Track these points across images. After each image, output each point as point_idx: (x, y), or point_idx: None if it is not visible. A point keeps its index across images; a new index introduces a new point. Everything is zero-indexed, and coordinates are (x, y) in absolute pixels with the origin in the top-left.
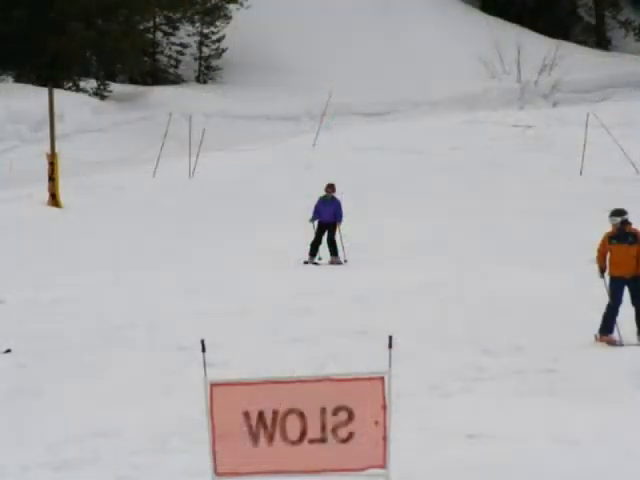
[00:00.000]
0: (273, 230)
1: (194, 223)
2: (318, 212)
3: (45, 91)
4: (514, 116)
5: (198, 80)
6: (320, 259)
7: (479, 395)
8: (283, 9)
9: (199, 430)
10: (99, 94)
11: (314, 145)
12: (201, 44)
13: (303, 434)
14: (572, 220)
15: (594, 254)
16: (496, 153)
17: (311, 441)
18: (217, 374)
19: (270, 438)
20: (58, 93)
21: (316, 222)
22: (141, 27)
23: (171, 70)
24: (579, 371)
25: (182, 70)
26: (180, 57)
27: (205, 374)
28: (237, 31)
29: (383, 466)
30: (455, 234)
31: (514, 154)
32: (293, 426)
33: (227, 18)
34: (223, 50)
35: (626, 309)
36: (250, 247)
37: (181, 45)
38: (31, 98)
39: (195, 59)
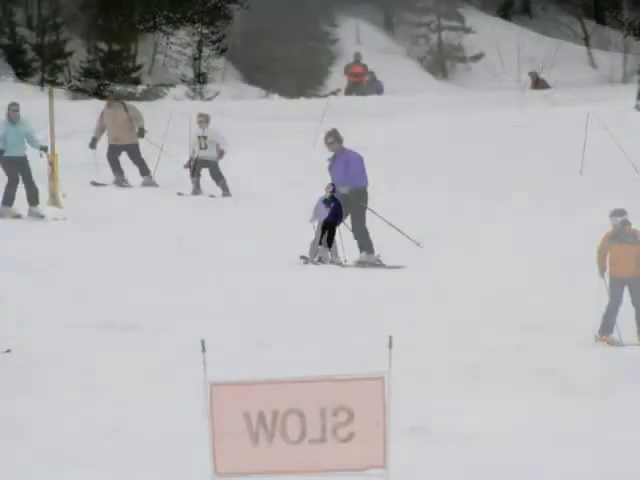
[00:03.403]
0: (273, 230)
1: (194, 223)
2: (318, 212)
3: (45, 91)
4: (514, 116)
5: (198, 80)
6: (320, 259)
7: (479, 395)
8: (283, 9)
9: (199, 430)
10: (99, 94)
11: (314, 145)
12: (201, 44)
13: (303, 434)
14: (572, 220)
15: (594, 254)
16: (496, 153)
17: (311, 441)
18: (217, 374)
19: (270, 438)
20: (58, 93)
21: (316, 222)
22: (141, 27)
23: (171, 70)
24: (579, 371)
25: (182, 70)
26: (180, 57)
27: (205, 374)
28: (237, 31)
29: (383, 466)
30: (455, 234)
31: (514, 154)
32: (293, 426)
33: (227, 18)
34: (223, 50)
35: (626, 309)
36: (250, 246)
37: (181, 45)
38: (31, 98)
39: (195, 59)
